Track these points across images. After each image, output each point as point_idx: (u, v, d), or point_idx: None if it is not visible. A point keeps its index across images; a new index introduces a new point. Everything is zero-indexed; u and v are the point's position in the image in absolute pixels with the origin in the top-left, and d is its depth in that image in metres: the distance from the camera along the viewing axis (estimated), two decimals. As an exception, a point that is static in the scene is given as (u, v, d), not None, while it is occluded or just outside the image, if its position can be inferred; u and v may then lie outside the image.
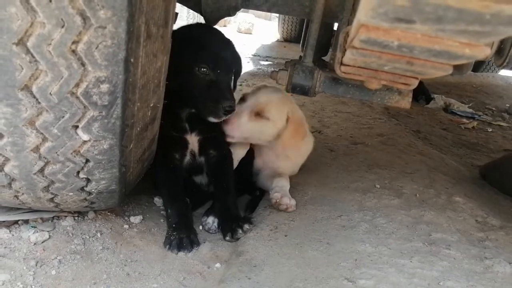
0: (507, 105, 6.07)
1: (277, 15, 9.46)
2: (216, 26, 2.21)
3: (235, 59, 2.10)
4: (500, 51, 1.62)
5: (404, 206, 2.29)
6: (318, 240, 1.87)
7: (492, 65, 7.91)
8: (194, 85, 1.91)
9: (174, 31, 1.85)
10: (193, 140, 2.10)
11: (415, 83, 1.41)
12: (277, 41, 9.00)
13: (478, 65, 7.86)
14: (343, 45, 1.39)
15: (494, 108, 5.89)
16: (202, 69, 1.90)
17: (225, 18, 9.15)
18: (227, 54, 2.02)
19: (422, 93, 5.51)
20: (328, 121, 3.89)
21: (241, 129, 2.13)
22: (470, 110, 5.51)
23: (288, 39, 8.59)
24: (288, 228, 1.95)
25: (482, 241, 2.07)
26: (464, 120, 5.03)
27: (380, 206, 2.25)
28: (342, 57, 1.38)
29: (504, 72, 7.94)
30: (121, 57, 1.17)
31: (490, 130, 4.82)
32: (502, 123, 5.16)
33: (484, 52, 0.85)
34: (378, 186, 2.48)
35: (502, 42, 1.62)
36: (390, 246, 1.87)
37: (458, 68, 1.66)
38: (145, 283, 1.62)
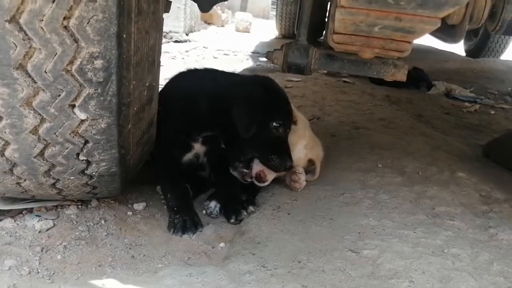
0: (509, 88, 6.03)
1: (275, 13, 9.48)
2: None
3: None
4: (492, 16, 1.62)
5: (407, 183, 2.29)
6: (321, 216, 1.88)
7: (493, 50, 7.87)
8: (264, 137, 1.96)
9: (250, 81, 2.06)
10: (199, 149, 2.11)
11: (407, 48, 1.41)
12: (275, 38, 8.99)
13: (479, 51, 7.83)
14: (334, 14, 1.39)
15: (496, 92, 5.85)
16: (277, 125, 1.96)
17: (223, 18, 9.13)
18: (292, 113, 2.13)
19: (423, 80, 5.48)
20: (329, 109, 3.88)
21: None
22: (472, 94, 5.47)
23: (286, 35, 8.58)
24: (291, 207, 1.96)
25: (487, 213, 2.07)
26: (466, 104, 5.00)
27: (383, 183, 2.25)
28: (334, 26, 1.39)
29: (505, 57, 7.90)
30: (113, 32, 1.18)
31: (493, 112, 4.79)
32: (504, 106, 5.12)
33: (468, -6, 0.86)
34: (380, 165, 2.47)
35: (494, 6, 1.62)
36: (393, 220, 1.88)
37: (451, 35, 1.67)
38: (150, 263, 1.63)
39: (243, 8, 11.77)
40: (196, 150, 2.11)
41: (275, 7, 9.68)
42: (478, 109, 4.82)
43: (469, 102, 5.09)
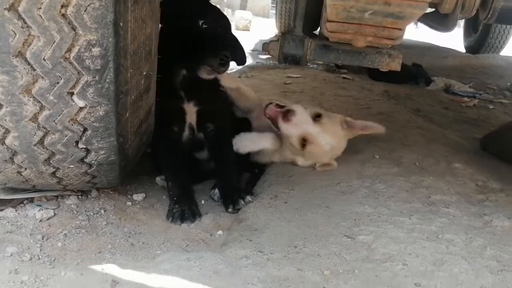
0: (508, 83, 6.03)
1: (274, 11, 9.50)
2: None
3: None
4: (483, 4, 1.64)
5: (404, 173, 2.31)
6: (317, 204, 1.90)
7: (493, 46, 7.87)
8: (196, 37, 1.91)
9: None
10: (190, 111, 2.09)
11: (399, 35, 1.44)
12: (275, 36, 9.04)
13: (479, 47, 7.84)
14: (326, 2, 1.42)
15: (495, 87, 5.86)
16: (204, 24, 1.92)
17: (223, 16, 9.13)
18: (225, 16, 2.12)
19: (422, 75, 5.51)
20: (328, 104, 3.90)
21: (298, 128, 2.15)
22: (471, 89, 5.48)
23: (286, 33, 8.64)
24: (288, 196, 1.99)
25: (482, 202, 2.09)
26: (465, 99, 5.02)
27: (379, 174, 2.27)
28: (327, 15, 1.42)
29: (504, 52, 7.91)
30: (109, 19, 1.21)
31: (492, 107, 4.80)
32: (503, 100, 5.13)
33: (452, -25, 0.88)
34: (377, 156, 2.49)
35: (485, -5, 1.64)
36: (389, 207, 1.90)
37: (444, 24, 1.69)
38: (149, 250, 1.66)
39: (243, 7, 11.79)
40: (189, 118, 2.11)
41: (274, 5, 9.71)
42: (477, 104, 4.84)
43: (468, 97, 5.11)
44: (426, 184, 2.19)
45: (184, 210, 1.89)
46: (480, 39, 7.80)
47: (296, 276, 1.42)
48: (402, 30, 1.40)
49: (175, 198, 1.93)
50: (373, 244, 1.60)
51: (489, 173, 2.51)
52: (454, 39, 9.65)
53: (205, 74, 1.95)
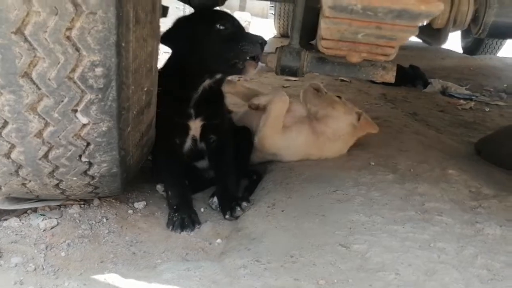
0: (504, 85, 6.08)
1: (273, 12, 9.53)
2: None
3: None
4: (475, 19, 1.69)
5: (399, 180, 2.35)
6: (314, 213, 1.95)
7: (490, 47, 7.92)
8: (217, 40, 1.97)
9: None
10: (196, 126, 2.15)
11: (392, 53, 1.48)
12: (274, 37, 9.06)
13: (476, 48, 7.89)
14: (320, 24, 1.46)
15: (491, 89, 5.91)
16: (221, 26, 1.97)
17: (221, 17, 9.18)
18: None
19: (419, 77, 5.54)
20: (325, 108, 3.95)
21: None
22: (468, 91, 5.53)
23: (285, 34, 8.64)
24: (285, 204, 2.04)
25: (475, 209, 2.13)
26: (462, 101, 5.07)
27: (375, 181, 2.31)
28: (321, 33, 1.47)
29: (501, 54, 7.95)
30: (112, 41, 1.26)
31: (488, 109, 4.86)
32: (499, 103, 5.18)
33: (438, 7, 0.93)
34: (373, 163, 2.54)
35: (476, 10, 1.69)
36: (383, 216, 1.95)
37: (436, 38, 1.74)
38: (150, 259, 1.71)
39: (242, 8, 11.81)
40: (193, 131, 2.17)
41: (273, 5, 9.74)
42: (473, 106, 4.89)
43: (465, 100, 5.16)
44: (421, 191, 2.24)
45: (184, 218, 1.94)
46: (477, 40, 7.84)
47: (292, 286, 1.47)
48: (394, 48, 1.45)
49: (174, 207, 1.98)
50: (367, 253, 1.65)
51: (483, 179, 2.56)
52: (451, 39, 9.70)
53: (251, 69, 1.98)
